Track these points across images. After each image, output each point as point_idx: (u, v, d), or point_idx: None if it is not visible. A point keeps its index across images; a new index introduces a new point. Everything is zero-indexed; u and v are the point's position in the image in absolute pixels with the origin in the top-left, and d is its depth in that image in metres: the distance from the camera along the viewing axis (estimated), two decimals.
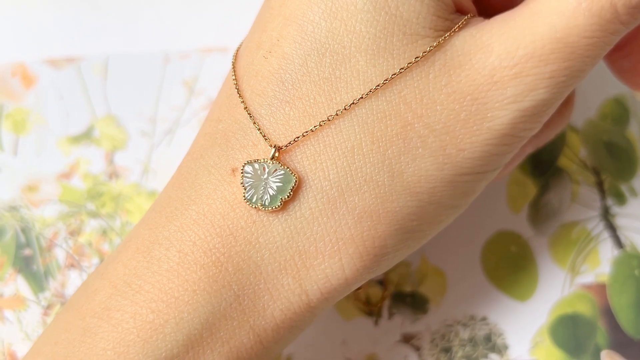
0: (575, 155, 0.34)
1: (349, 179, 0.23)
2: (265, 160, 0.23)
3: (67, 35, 0.36)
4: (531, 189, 0.34)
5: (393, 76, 0.23)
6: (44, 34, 0.36)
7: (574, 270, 0.33)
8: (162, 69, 0.36)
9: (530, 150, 0.29)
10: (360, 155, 0.23)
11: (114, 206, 0.33)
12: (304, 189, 0.23)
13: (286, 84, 0.23)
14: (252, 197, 0.23)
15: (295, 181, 0.23)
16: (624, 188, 0.34)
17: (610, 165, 0.34)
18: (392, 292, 0.32)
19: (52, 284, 0.32)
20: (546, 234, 0.33)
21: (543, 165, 0.34)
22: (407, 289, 0.32)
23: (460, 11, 0.24)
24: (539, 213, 0.34)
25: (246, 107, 0.23)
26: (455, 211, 0.25)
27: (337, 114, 0.23)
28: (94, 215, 0.33)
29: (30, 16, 0.36)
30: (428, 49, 0.23)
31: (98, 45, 0.36)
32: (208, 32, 0.36)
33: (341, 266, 0.23)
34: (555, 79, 0.22)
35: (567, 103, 0.28)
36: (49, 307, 0.32)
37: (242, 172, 0.23)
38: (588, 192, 0.34)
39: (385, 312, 0.32)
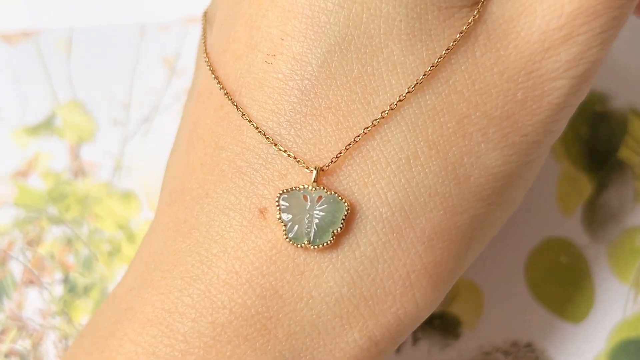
0: None
1: (411, 198, 0.21)
2: (306, 187, 0.21)
3: (22, 4, 0.35)
4: (586, 186, 0.33)
5: (438, 61, 0.21)
6: None
7: (638, 286, 0.31)
8: (137, 44, 0.35)
9: None
10: (418, 166, 0.21)
11: (81, 210, 0.32)
12: (358, 219, 0.21)
13: (307, 93, 0.21)
14: (296, 235, 0.21)
15: (347, 208, 0.21)
16: None
17: None
18: None
19: (7, 304, 0.31)
20: (604, 241, 0.32)
21: (600, 157, 0.33)
22: (436, 309, 0.29)
23: None
24: (595, 215, 0.32)
25: (258, 128, 0.22)
26: (514, 207, 0.24)
27: (381, 117, 0.21)
28: (56, 221, 0.32)
29: None
30: (470, 20, 0.22)
31: (60, 16, 0.35)
32: None
33: (415, 303, 0.22)
34: (607, 32, 0.22)
35: None
36: (3, 332, 0.31)
37: (277, 205, 0.21)
38: None
39: (408, 337, 0.31)
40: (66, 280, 0.31)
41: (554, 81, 0.22)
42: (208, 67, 0.24)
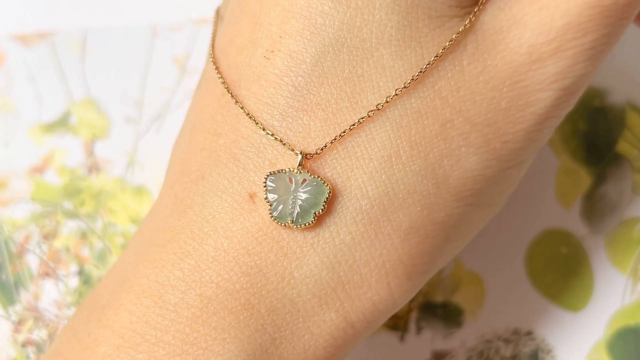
0: (638, 140, 0.33)
1: (390, 193, 0.22)
2: (292, 170, 0.22)
3: (38, 6, 0.35)
4: (585, 179, 0.33)
5: (426, 67, 0.22)
6: (11, 5, 0.35)
7: (636, 275, 0.31)
8: (149, 45, 0.35)
9: None
10: (399, 165, 0.22)
11: (95, 205, 0.33)
12: (339, 209, 0.22)
13: (300, 89, 0.22)
14: (280, 214, 0.22)
15: (329, 192, 0.22)
16: None
17: None
18: (420, 302, 0.31)
19: (24, 296, 0.31)
20: (603, 233, 0.32)
21: (599, 151, 0.33)
22: (438, 298, 0.31)
23: None
24: (594, 207, 0.32)
25: (252, 118, 0.22)
26: (495, 210, 0.25)
27: (368, 116, 0.22)
28: (71, 215, 0.32)
29: None
30: (460, 30, 0.22)
31: (75, 17, 0.35)
32: (201, 1, 0.35)
33: (389, 291, 0.22)
34: (596, 49, 0.22)
35: None
36: (20, 322, 0.31)
37: (264, 186, 0.22)
38: None
39: (412, 326, 0.31)
40: (81, 273, 0.31)
41: (539, 92, 0.22)
42: (211, 59, 0.24)
